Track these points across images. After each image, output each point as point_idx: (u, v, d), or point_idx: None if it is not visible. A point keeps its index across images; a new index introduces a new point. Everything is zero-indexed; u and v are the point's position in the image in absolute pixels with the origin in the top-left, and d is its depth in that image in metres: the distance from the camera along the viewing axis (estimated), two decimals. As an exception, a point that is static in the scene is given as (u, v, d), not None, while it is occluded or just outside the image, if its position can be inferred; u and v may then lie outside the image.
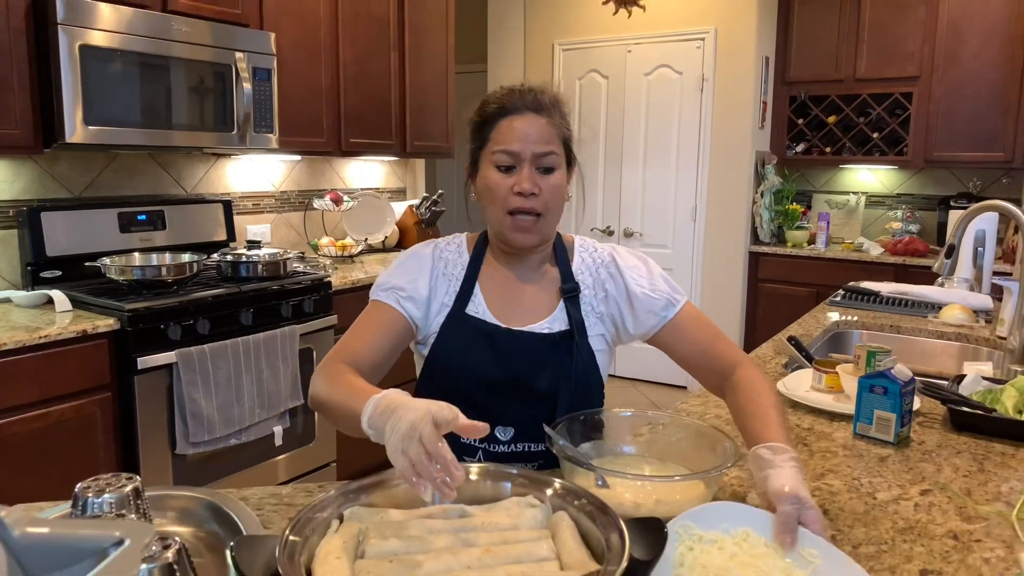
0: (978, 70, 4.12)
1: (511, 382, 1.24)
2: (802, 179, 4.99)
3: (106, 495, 0.87)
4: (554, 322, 1.29)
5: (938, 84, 4.23)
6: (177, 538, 0.75)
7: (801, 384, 1.64)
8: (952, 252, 1.91)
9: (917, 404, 1.48)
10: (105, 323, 2.26)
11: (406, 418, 0.84)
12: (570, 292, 1.30)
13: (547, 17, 5.10)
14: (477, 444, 1.26)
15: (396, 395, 0.93)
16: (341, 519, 0.84)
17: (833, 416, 1.49)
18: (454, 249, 1.33)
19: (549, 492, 0.88)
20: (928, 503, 1.11)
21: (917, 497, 1.13)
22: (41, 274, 2.58)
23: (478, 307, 1.28)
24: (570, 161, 1.30)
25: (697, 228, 4.72)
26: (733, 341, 1.33)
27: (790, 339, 1.96)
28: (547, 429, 1.06)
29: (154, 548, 0.73)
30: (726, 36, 4.49)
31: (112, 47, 2.41)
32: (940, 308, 2.45)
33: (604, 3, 4.85)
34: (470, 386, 1.24)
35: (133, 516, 0.85)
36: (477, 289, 1.30)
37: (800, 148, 4.77)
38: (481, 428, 0.87)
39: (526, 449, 1.27)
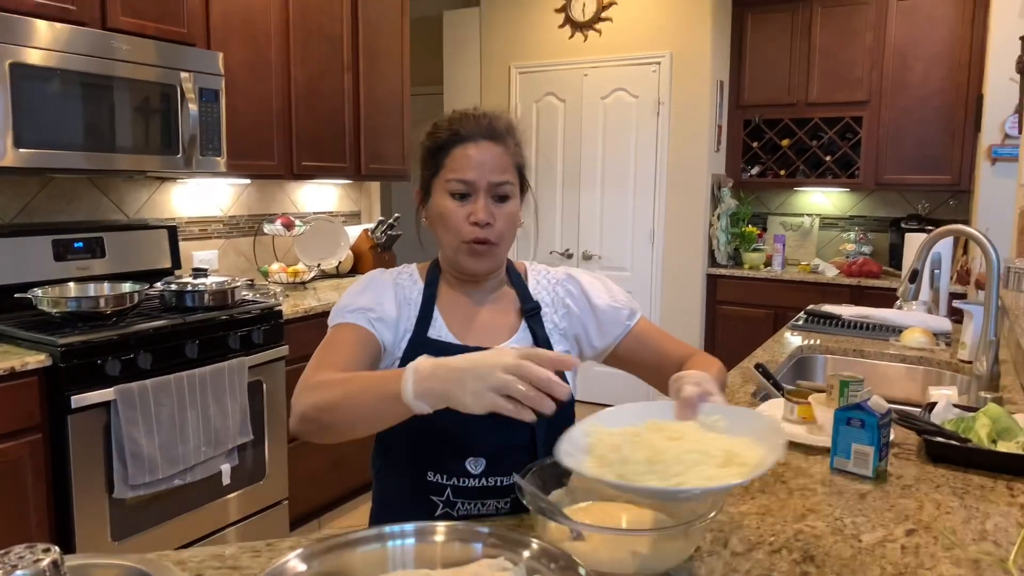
0: (925, 95, 4.22)
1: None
2: (757, 202, 5.04)
3: (18, 572, 0.76)
4: (518, 342, 1.26)
5: (887, 109, 4.32)
6: (57, 549, 0.66)
7: (773, 415, 1.59)
8: (916, 277, 1.90)
9: (891, 435, 1.44)
10: (36, 359, 2.10)
11: (489, 361, 0.84)
12: (531, 311, 1.29)
13: (503, 40, 5.08)
14: (445, 482, 1.19)
15: (437, 358, 0.90)
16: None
17: (808, 450, 1.44)
18: (407, 277, 1.30)
19: (525, 554, 0.80)
20: (915, 545, 1.06)
21: (903, 538, 1.08)
22: (-33, 306, 2.41)
23: (439, 330, 1.24)
24: (523, 187, 1.28)
25: (655, 251, 4.72)
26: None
27: (757, 367, 1.92)
28: (516, 479, 0.99)
29: (31, 556, 0.67)
30: (681, 60, 4.52)
31: (47, 66, 2.28)
32: (901, 331, 2.45)
33: (560, 27, 4.85)
34: (440, 414, 1.16)
35: (49, 596, 0.74)
36: (436, 313, 1.25)
37: (755, 171, 4.82)
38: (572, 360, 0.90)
39: (498, 483, 1.20)
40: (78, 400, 2.15)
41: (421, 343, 1.21)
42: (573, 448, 0.93)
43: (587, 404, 4.90)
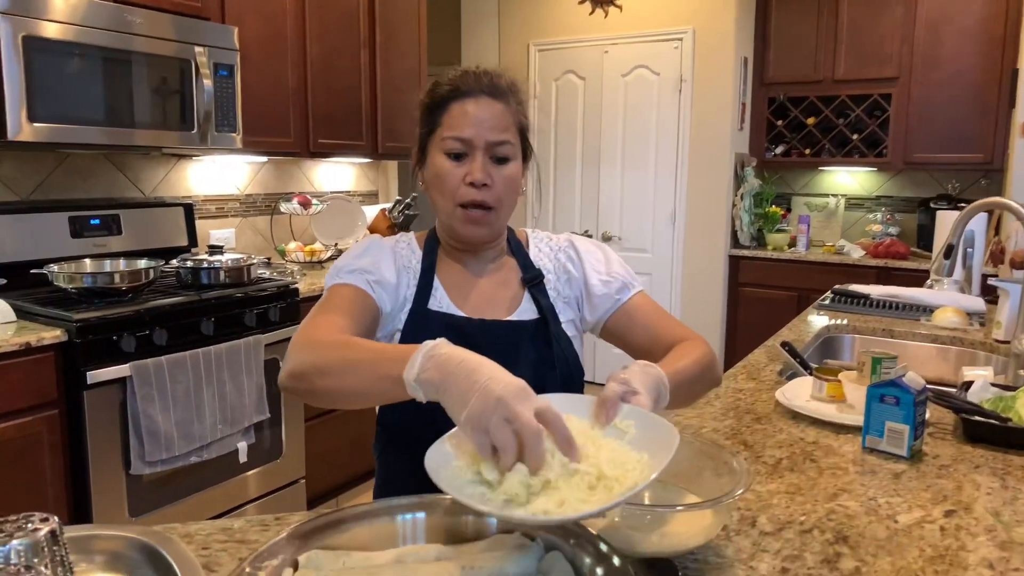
0: (957, 71, 4.09)
1: None
2: (781, 182, 4.93)
3: (14, 542, 0.73)
4: (523, 313, 1.20)
5: (917, 85, 4.20)
6: (56, 519, 0.62)
7: (801, 393, 1.54)
8: (951, 252, 1.83)
9: (927, 415, 1.38)
10: (52, 335, 2.09)
11: (506, 380, 0.74)
12: (534, 280, 1.23)
13: (522, 17, 5.00)
14: None
15: (456, 348, 0.81)
16: (296, 567, 0.71)
17: (839, 428, 1.38)
18: (405, 245, 1.24)
19: (542, 529, 0.76)
20: (955, 526, 1.01)
21: (942, 519, 1.03)
22: (-16, 282, 2.40)
23: (440, 301, 1.18)
24: (526, 152, 1.21)
25: (676, 232, 4.64)
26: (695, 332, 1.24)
27: (784, 344, 1.86)
28: None
29: (29, 525, 0.65)
30: (704, 36, 4.42)
31: (61, 39, 2.25)
32: (932, 311, 2.38)
33: (580, 3, 4.76)
34: None
35: (47, 565, 0.71)
36: (437, 283, 1.20)
37: (779, 150, 4.71)
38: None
39: None
40: (94, 376, 2.14)
41: (423, 315, 1.16)
42: (445, 450, 0.82)
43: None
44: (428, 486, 1.10)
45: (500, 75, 1.16)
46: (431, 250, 1.22)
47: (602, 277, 1.24)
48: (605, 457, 0.80)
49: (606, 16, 4.69)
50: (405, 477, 1.07)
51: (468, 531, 0.78)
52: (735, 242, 4.64)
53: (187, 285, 2.56)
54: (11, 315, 2.21)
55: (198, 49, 2.61)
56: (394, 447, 1.21)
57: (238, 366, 2.49)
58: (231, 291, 2.56)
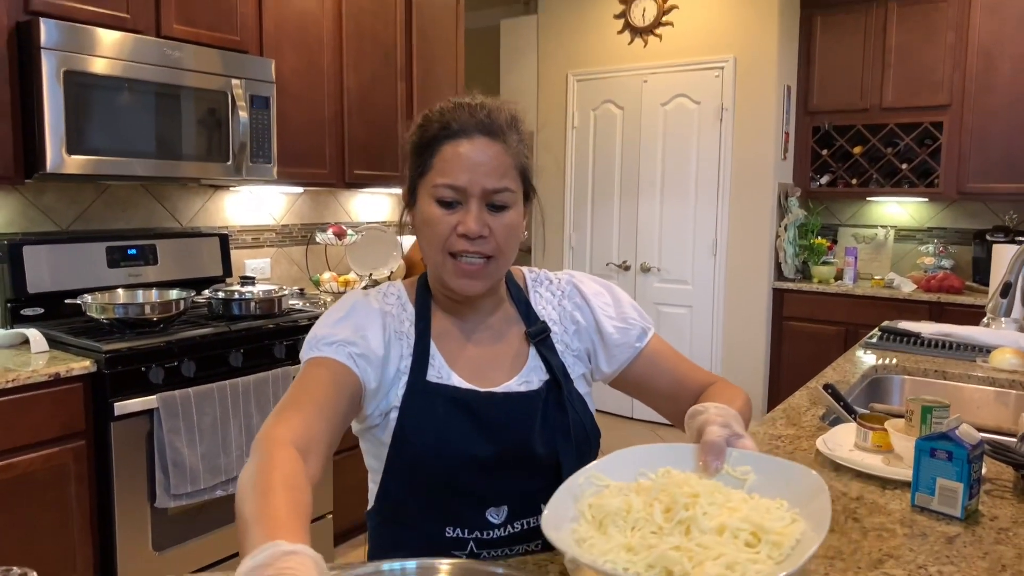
0: (1013, 97, 3.93)
1: (502, 456, 1.03)
2: (827, 212, 4.79)
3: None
4: (530, 374, 1.08)
5: (970, 113, 4.04)
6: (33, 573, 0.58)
7: (844, 442, 1.44)
8: (1008, 290, 1.71)
9: (983, 470, 1.27)
10: (80, 365, 2.10)
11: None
12: (539, 334, 1.10)
13: (561, 47, 4.99)
14: (467, 535, 1.04)
15: (303, 561, 0.64)
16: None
17: (885, 483, 1.28)
18: (394, 302, 1.09)
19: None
20: (1016, 603, 0.91)
21: (1001, 594, 0.93)
22: (22, 311, 2.44)
23: (440, 371, 1.05)
24: (527, 193, 1.08)
25: (718, 263, 4.53)
26: (733, 382, 1.17)
27: (826, 387, 1.76)
28: (548, 535, 0.77)
29: None
30: (746, 65, 4.34)
31: (101, 73, 2.29)
32: (989, 351, 2.24)
33: (619, 32, 4.73)
34: (452, 469, 1.02)
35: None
36: (434, 349, 1.06)
37: (824, 180, 4.58)
38: None
39: (524, 527, 1.06)
40: (121, 407, 2.14)
41: (423, 390, 1.03)
42: (561, 513, 0.77)
43: (606, 415, 4.70)
44: (444, 546, 1.02)
45: (498, 108, 1.03)
46: (423, 306, 1.09)
47: (616, 324, 1.13)
48: (745, 508, 0.74)
49: (646, 46, 4.65)
50: (399, 551, 1.00)
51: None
52: (779, 274, 4.50)
53: (218, 316, 2.56)
54: (44, 345, 2.23)
55: (235, 81, 2.64)
56: (394, 521, 1.10)
57: (266, 398, 2.47)
58: (261, 322, 2.55)
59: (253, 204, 3.28)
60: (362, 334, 1.02)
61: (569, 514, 0.79)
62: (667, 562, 0.66)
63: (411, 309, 1.09)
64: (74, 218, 2.68)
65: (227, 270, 3.04)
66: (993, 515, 1.17)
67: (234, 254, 3.17)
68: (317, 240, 3.42)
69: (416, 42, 3.52)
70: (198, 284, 2.83)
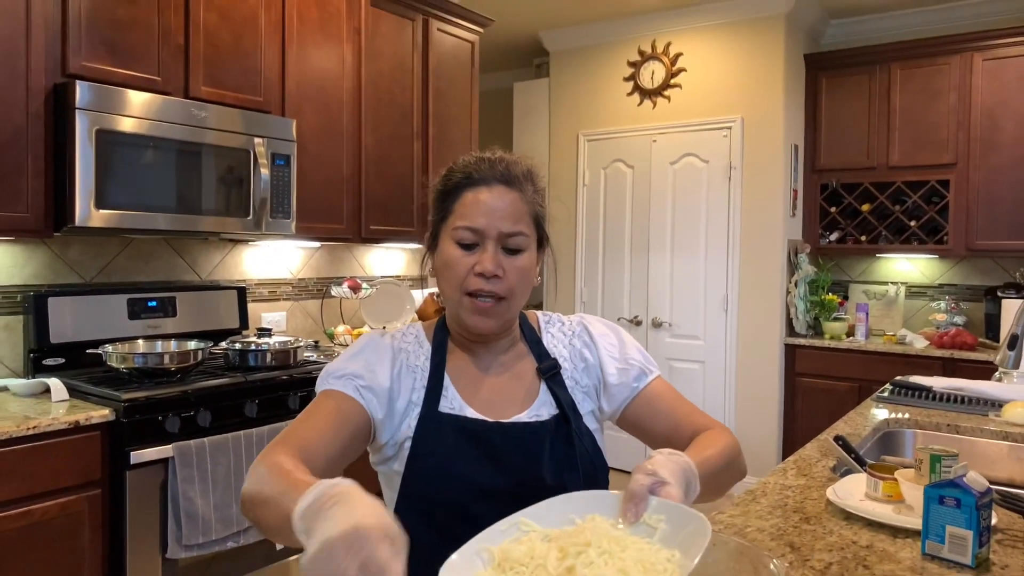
0: (1018, 155, 3.99)
1: (511, 486, 1.07)
2: (837, 269, 4.82)
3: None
4: (541, 408, 1.14)
5: (976, 171, 4.10)
6: None
7: (854, 492, 1.44)
8: (1016, 343, 1.73)
9: (994, 519, 1.27)
10: (99, 413, 2.14)
11: (348, 520, 0.66)
12: (550, 371, 1.17)
13: (572, 108, 5.14)
14: None
15: (349, 487, 0.73)
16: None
17: (896, 532, 1.28)
18: (412, 340, 1.17)
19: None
20: (1027, 649, 0.91)
21: (1012, 640, 0.93)
22: (44, 361, 2.49)
23: (452, 402, 1.11)
24: (541, 241, 1.16)
25: (729, 319, 4.54)
26: (727, 425, 1.20)
27: (837, 439, 1.76)
28: None
29: None
30: (753, 125, 4.45)
31: (131, 131, 2.39)
32: (1001, 405, 2.23)
33: (629, 95, 4.87)
34: (462, 498, 1.06)
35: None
36: (447, 382, 1.13)
37: (834, 237, 4.63)
38: None
39: None
40: (137, 456, 2.16)
41: (434, 419, 1.09)
42: (471, 554, 0.81)
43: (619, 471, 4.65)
44: None
45: (516, 162, 1.13)
46: (440, 344, 1.16)
47: (618, 364, 1.19)
48: (631, 558, 0.76)
49: (655, 107, 4.78)
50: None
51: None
52: (791, 330, 4.51)
53: (234, 367, 2.60)
54: (64, 393, 2.28)
55: (257, 140, 2.74)
56: (408, 560, 1.13)
57: (279, 449, 2.48)
58: (276, 373, 2.59)
59: (271, 258, 3.36)
60: (371, 368, 1.10)
61: (482, 557, 0.81)
62: None
63: (427, 346, 1.17)
64: (98, 271, 2.75)
65: (244, 322, 3.10)
66: (1004, 563, 1.16)
67: (251, 307, 3.23)
68: (333, 294, 3.48)
69: (432, 103, 3.65)
70: (215, 336, 2.88)
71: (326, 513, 0.70)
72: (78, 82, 2.27)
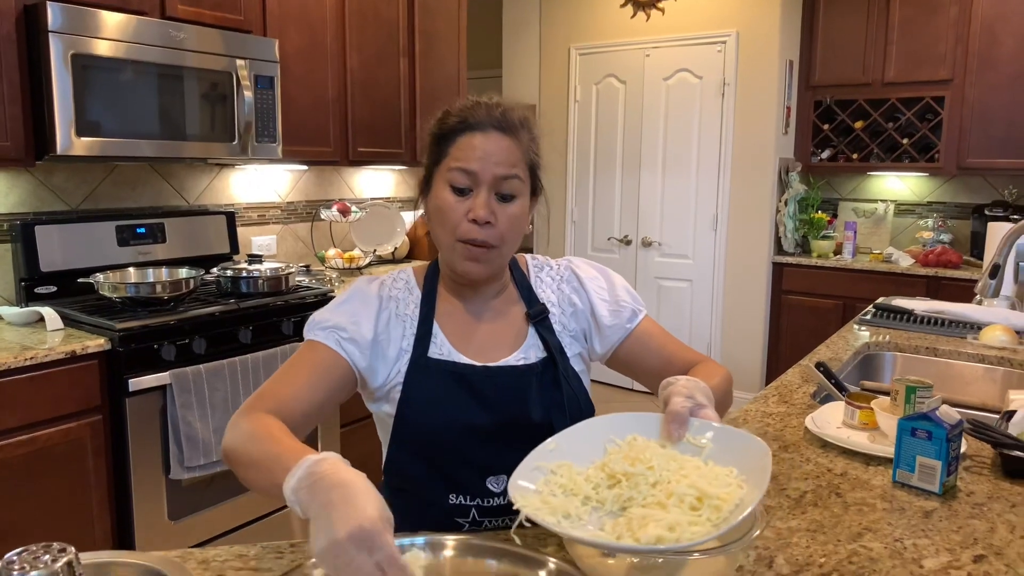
0: (1015, 72, 3.93)
1: (500, 426, 1.12)
2: (827, 187, 4.81)
3: (33, 573, 0.76)
4: (528, 351, 1.17)
5: (972, 88, 4.05)
6: (72, 549, 0.64)
7: (832, 420, 1.50)
8: (997, 272, 1.76)
9: (963, 446, 1.33)
10: (96, 343, 2.16)
11: (354, 518, 0.70)
12: (539, 315, 1.20)
13: (563, 21, 4.98)
14: (468, 503, 1.12)
15: (336, 465, 0.77)
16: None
17: (869, 459, 1.34)
18: (402, 287, 1.19)
19: (541, 573, 0.76)
20: (983, 572, 0.97)
21: (970, 565, 0.99)
22: (35, 290, 2.50)
23: (441, 348, 1.15)
24: (535, 189, 1.17)
25: (718, 238, 4.57)
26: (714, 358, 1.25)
27: (818, 365, 1.81)
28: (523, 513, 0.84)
29: (46, 556, 0.68)
30: (748, 39, 4.34)
31: (107, 55, 2.32)
32: (980, 328, 2.29)
33: (622, 6, 4.72)
34: (453, 439, 1.11)
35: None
36: (436, 328, 1.16)
37: (825, 155, 4.60)
38: None
39: None
40: (135, 383, 2.21)
41: (423, 365, 1.13)
42: (530, 475, 0.85)
43: (609, 386, 4.77)
44: (448, 512, 1.10)
45: (512, 109, 1.13)
46: (431, 290, 1.18)
47: (610, 307, 1.22)
48: (695, 475, 0.80)
49: (648, 19, 4.64)
50: (407, 518, 1.07)
51: (467, 572, 0.78)
52: (779, 249, 4.55)
53: (226, 294, 2.62)
54: (59, 323, 2.30)
55: (239, 62, 2.67)
56: (401, 490, 1.18)
57: (275, 374, 2.54)
58: (269, 300, 2.61)
59: (258, 182, 3.32)
60: (355, 320, 1.12)
61: (531, 478, 0.85)
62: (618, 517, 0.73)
63: (417, 293, 1.19)
64: (83, 197, 2.73)
65: (234, 247, 3.09)
66: (970, 491, 1.23)
67: (240, 231, 3.22)
68: (322, 217, 3.46)
69: (419, 18, 3.53)
70: (206, 261, 2.88)
71: (325, 502, 0.73)
72: (49, 3, 2.18)
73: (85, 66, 2.27)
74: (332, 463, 0.77)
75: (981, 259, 4.02)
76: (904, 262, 4.17)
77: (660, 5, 4.57)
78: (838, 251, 4.50)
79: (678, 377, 1.00)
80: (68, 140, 2.26)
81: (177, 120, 2.53)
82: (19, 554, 0.79)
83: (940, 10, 4.08)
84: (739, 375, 4.47)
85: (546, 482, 0.85)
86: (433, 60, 3.65)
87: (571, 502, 0.80)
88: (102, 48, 2.31)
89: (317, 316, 1.14)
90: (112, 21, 2.32)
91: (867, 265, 4.21)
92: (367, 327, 1.12)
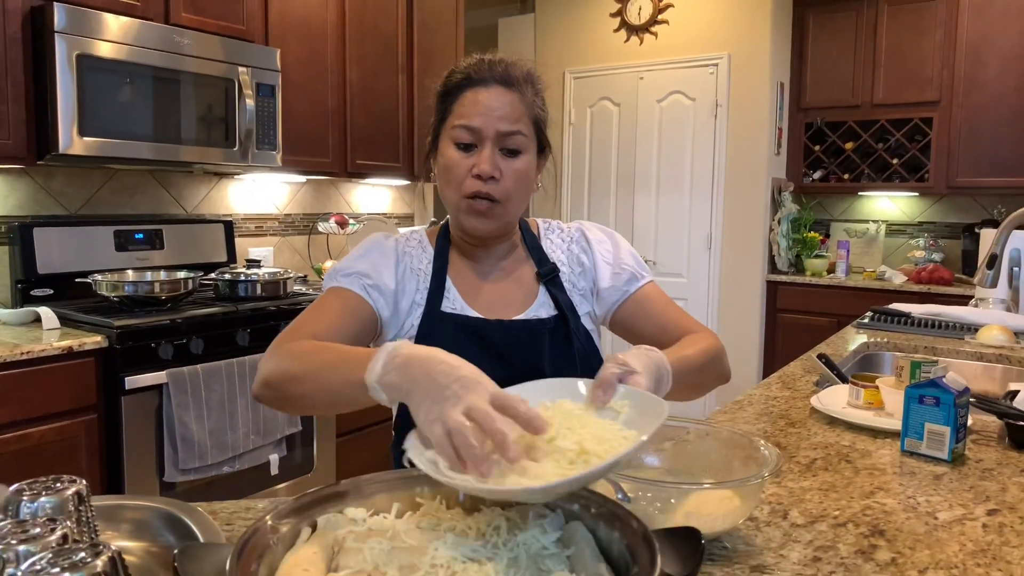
0: (1000, 93, 4.02)
1: (512, 380, 1.10)
2: (819, 208, 4.87)
3: (43, 499, 0.75)
4: (539, 309, 1.17)
5: (959, 109, 4.13)
6: (113, 545, 0.63)
7: (837, 401, 1.50)
8: (994, 262, 1.78)
9: (970, 421, 1.33)
10: (92, 340, 2.15)
11: (455, 374, 0.72)
12: (549, 274, 1.20)
13: (558, 44, 5.07)
14: None
15: (418, 346, 0.79)
16: (315, 528, 0.70)
17: (876, 433, 1.34)
18: (416, 244, 1.20)
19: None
20: (998, 524, 0.97)
21: (984, 518, 0.99)
22: (31, 292, 2.48)
23: (454, 303, 1.15)
24: (542, 146, 1.18)
25: (712, 257, 4.60)
26: (711, 330, 1.21)
27: (820, 356, 1.82)
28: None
29: (57, 485, 0.67)
30: (740, 62, 4.42)
31: (111, 57, 2.34)
32: (976, 330, 2.30)
33: (615, 31, 4.81)
34: None
35: (72, 524, 0.72)
36: (449, 283, 1.16)
37: (817, 175, 4.66)
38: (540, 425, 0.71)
39: None
40: (132, 382, 2.18)
41: (437, 318, 1.13)
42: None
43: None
44: None
45: (516, 64, 1.13)
46: (443, 248, 1.19)
47: (612, 269, 1.22)
48: (589, 434, 0.77)
49: (641, 43, 4.73)
50: None
51: (487, 503, 0.77)
52: (773, 267, 4.58)
53: (224, 297, 2.61)
54: (55, 322, 2.28)
55: (241, 69, 2.70)
56: None
57: (272, 377, 2.51)
58: (267, 303, 2.60)
59: (257, 193, 3.33)
60: (377, 269, 1.13)
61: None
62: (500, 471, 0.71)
63: (430, 250, 1.20)
64: (82, 203, 2.72)
65: (231, 257, 3.09)
66: (979, 458, 1.23)
67: (238, 242, 3.21)
68: (320, 229, 3.47)
69: (417, 36, 3.58)
70: (203, 269, 2.86)
71: (422, 373, 0.74)
72: (56, 4, 2.21)
73: (89, 67, 2.29)
74: (413, 345, 0.79)
75: (973, 276, 4.06)
76: (897, 279, 4.20)
77: (653, 29, 4.67)
78: (831, 270, 4.53)
79: (634, 347, 0.97)
80: (70, 139, 2.27)
81: (178, 124, 2.55)
82: (29, 484, 0.78)
83: (926, 33, 4.18)
84: (734, 393, 4.45)
85: None
86: (431, 77, 3.62)
87: None
88: (106, 50, 2.33)
89: (338, 265, 1.14)
90: (116, 24, 2.35)
91: (861, 283, 4.24)
92: (388, 277, 1.13)
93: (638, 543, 0.64)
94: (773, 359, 4.51)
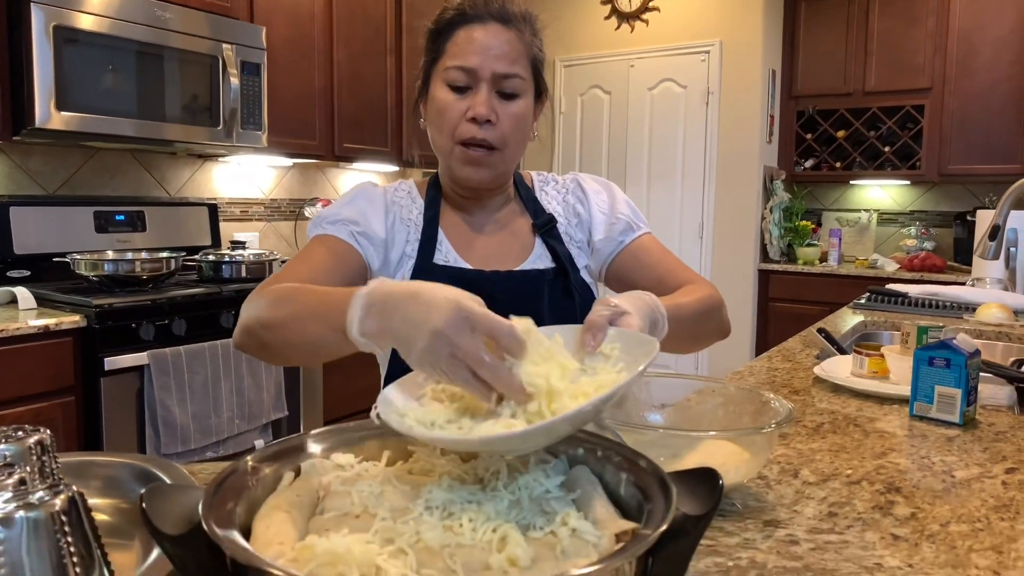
0: (992, 81, 4.01)
1: None
2: (811, 197, 4.85)
3: (2, 446, 0.69)
4: (537, 261, 1.11)
5: (951, 96, 4.11)
6: (74, 487, 0.57)
7: (840, 371, 1.45)
8: (997, 233, 1.75)
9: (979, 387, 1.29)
10: (70, 319, 2.07)
11: (443, 305, 0.64)
12: (546, 225, 1.13)
13: (548, 32, 4.94)
14: None
15: (393, 281, 0.70)
16: (298, 473, 0.65)
17: (882, 401, 1.30)
18: (405, 195, 1.13)
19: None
20: (1018, 481, 0.92)
21: (1003, 475, 0.94)
22: (8, 273, 2.41)
23: (447, 255, 1.08)
24: (540, 90, 1.10)
25: (704, 246, 4.56)
26: (706, 279, 1.15)
27: (820, 331, 1.78)
28: None
29: (19, 434, 0.60)
30: (731, 49, 4.39)
31: (90, 30, 2.27)
32: (974, 309, 2.27)
33: (606, 18, 4.77)
34: None
35: (32, 471, 0.66)
36: (441, 235, 1.09)
37: (809, 164, 4.64)
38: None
39: None
40: (111, 363, 2.11)
41: (428, 271, 1.06)
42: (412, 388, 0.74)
43: None
44: None
45: (513, 2, 1.06)
46: (433, 199, 1.12)
47: (607, 219, 1.16)
48: (555, 376, 0.71)
49: (632, 31, 4.69)
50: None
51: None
52: (764, 256, 4.55)
53: (208, 278, 2.54)
54: (32, 302, 2.20)
55: (226, 47, 2.63)
56: None
57: (257, 361, 2.45)
58: (252, 285, 2.52)
59: (242, 177, 3.26)
60: (366, 216, 1.06)
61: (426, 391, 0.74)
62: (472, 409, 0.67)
63: (420, 201, 1.13)
64: (61, 183, 2.65)
65: (216, 241, 3.02)
66: (990, 423, 1.19)
67: (223, 227, 3.14)
68: (306, 214, 3.41)
69: (405, 18, 3.53)
70: (187, 252, 2.79)
71: (406, 311, 0.65)
72: (32, -27, 2.14)
73: (67, 39, 2.22)
74: (388, 281, 0.70)
75: (965, 264, 4.05)
76: (889, 267, 4.18)
77: (644, 16, 4.62)
78: (823, 259, 4.51)
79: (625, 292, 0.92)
80: (47, 113, 2.20)
81: (160, 100, 2.48)
82: (-12, 431, 0.72)
83: (918, 21, 4.16)
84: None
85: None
86: (419, 60, 3.63)
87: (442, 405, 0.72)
88: (85, 22, 2.26)
89: (324, 212, 1.07)
90: (97, -4, 2.28)
91: (853, 271, 4.22)
92: (378, 225, 1.06)
93: (651, 483, 0.59)
94: (765, 348, 4.48)
